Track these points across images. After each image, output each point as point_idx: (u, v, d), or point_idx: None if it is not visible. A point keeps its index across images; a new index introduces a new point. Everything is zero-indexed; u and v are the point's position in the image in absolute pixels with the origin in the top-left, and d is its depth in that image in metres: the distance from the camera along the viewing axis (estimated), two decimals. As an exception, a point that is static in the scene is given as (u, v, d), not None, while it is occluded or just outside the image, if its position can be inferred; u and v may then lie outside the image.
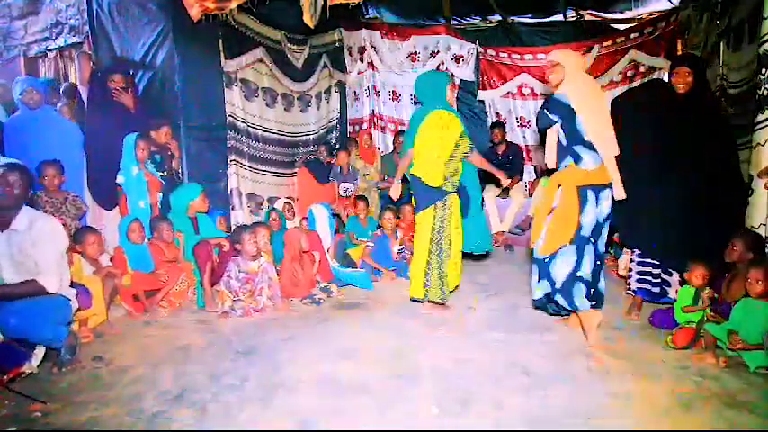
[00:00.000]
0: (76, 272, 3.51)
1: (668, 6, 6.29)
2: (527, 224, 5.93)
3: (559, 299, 3.19)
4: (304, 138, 6.69)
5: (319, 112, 6.94)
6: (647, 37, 6.18)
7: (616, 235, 4.23)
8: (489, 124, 6.75)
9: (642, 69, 6.27)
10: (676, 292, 3.51)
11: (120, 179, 4.28)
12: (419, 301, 3.87)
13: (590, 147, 3.05)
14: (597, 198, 3.10)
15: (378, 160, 6.61)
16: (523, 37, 6.89)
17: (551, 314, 3.58)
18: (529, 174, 6.71)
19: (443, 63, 6.83)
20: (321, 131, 7.00)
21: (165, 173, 4.64)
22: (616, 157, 3.12)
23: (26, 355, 2.81)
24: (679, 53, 5.89)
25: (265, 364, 2.98)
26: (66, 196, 4.19)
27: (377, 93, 7.37)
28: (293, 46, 6.28)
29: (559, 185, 3.18)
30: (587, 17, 6.82)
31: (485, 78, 6.84)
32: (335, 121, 7.28)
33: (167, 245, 4.18)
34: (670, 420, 2.36)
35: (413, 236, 5.64)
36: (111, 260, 3.87)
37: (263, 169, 5.99)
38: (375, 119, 7.47)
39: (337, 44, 7.14)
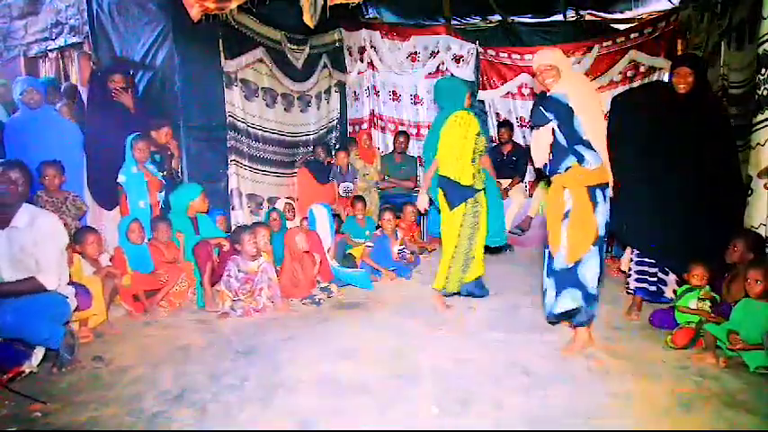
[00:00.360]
0: (76, 272, 3.51)
1: (668, 6, 6.30)
2: (527, 224, 5.95)
3: (594, 304, 3.06)
4: (304, 138, 6.69)
5: (319, 113, 6.94)
6: (647, 37, 6.17)
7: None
8: (496, 124, 6.76)
9: (642, 69, 6.26)
10: (673, 291, 3.51)
11: (121, 178, 4.28)
12: (450, 295, 3.97)
13: (589, 146, 3.03)
14: (604, 197, 3.07)
15: (377, 160, 6.60)
16: (523, 37, 6.89)
17: (575, 326, 3.15)
18: (529, 174, 6.71)
19: (443, 63, 6.82)
20: (321, 131, 7.00)
21: (165, 173, 4.65)
22: (616, 157, 3.10)
23: (26, 355, 2.81)
24: (679, 53, 5.89)
25: (265, 364, 2.98)
26: (66, 196, 4.20)
27: (377, 93, 7.35)
28: (293, 46, 6.28)
29: (564, 188, 3.10)
30: (587, 17, 6.83)
31: (485, 78, 6.83)
32: (335, 121, 7.27)
33: (167, 245, 4.18)
34: (670, 420, 2.36)
35: (413, 236, 5.69)
36: (110, 260, 3.87)
37: (263, 169, 5.99)
38: (375, 119, 7.46)
39: (337, 44, 7.13)
